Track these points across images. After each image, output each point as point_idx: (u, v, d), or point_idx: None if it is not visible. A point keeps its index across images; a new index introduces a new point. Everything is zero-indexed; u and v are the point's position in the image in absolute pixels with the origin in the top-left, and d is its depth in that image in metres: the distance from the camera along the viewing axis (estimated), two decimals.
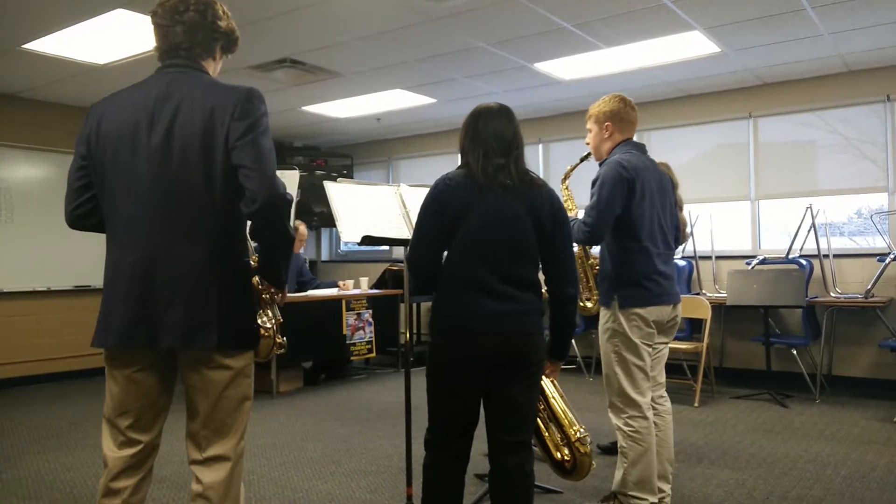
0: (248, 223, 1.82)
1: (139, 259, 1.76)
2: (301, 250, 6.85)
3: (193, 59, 1.89)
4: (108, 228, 1.86)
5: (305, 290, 6.36)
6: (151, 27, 1.91)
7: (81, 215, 1.92)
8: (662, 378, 3.01)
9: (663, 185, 2.96)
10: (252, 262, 1.89)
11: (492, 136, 2.20)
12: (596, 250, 3.15)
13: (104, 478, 1.84)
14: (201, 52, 1.90)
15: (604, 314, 2.88)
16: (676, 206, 3.24)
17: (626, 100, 2.97)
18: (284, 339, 1.94)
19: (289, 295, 5.99)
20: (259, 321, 1.87)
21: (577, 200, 3.19)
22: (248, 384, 1.89)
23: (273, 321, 1.90)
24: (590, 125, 3.02)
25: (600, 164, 2.92)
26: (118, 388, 1.84)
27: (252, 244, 1.91)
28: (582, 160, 3.24)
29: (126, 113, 1.81)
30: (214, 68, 1.98)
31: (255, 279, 1.88)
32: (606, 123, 2.94)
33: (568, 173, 3.32)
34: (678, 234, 3.14)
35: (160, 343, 1.74)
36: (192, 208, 1.76)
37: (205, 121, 1.74)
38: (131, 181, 1.78)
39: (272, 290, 1.91)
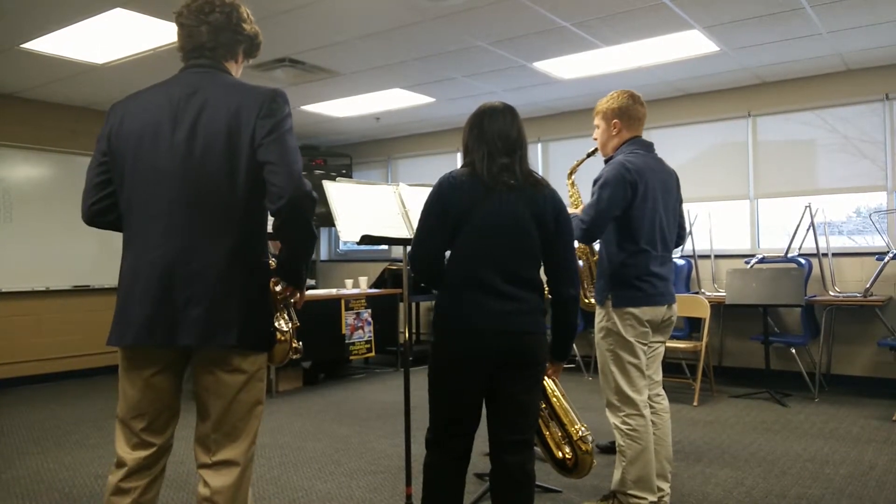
0: (270, 221, 1.81)
1: (159, 256, 1.75)
2: None
3: (217, 59, 1.90)
4: (126, 226, 1.85)
5: None
6: (176, 27, 1.92)
7: (99, 211, 1.90)
8: (659, 377, 3.01)
9: (668, 186, 2.94)
10: (270, 265, 1.88)
11: (496, 136, 2.20)
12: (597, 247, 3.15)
13: (114, 476, 1.83)
14: (224, 53, 1.91)
15: (599, 313, 2.89)
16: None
17: (636, 96, 2.95)
18: (301, 343, 1.92)
19: None
20: (276, 325, 1.86)
21: (583, 196, 3.18)
22: (261, 388, 1.87)
23: (290, 325, 1.89)
24: (597, 121, 2.99)
25: (606, 161, 2.91)
26: (134, 391, 1.83)
27: (270, 247, 1.91)
28: (589, 155, 3.21)
29: (149, 111, 1.81)
30: (236, 71, 1.99)
31: (272, 282, 1.86)
32: (614, 121, 2.93)
33: (574, 168, 3.30)
34: (682, 232, 3.12)
35: (178, 340, 1.73)
36: (215, 206, 1.75)
37: (230, 119, 1.75)
38: (153, 178, 1.78)
39: (289, 293, 1.89)
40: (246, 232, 1.79)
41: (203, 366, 1.80)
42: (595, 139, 3.03)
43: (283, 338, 1.87)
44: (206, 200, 1.75)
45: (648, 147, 2.94)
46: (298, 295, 1.92)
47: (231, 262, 1.75)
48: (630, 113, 2.91)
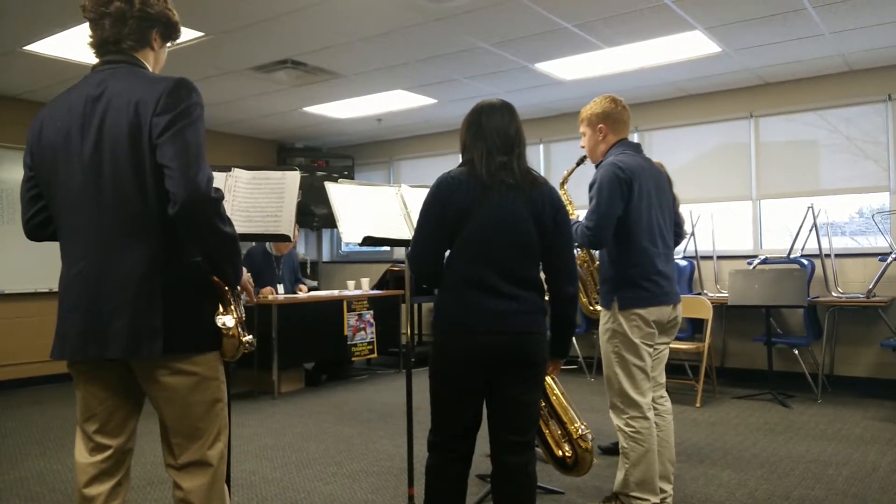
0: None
1: (83, 269, 1.71)
2: (295, 250, 6.84)
3: (125, 52, 1.80)
4: (59, 238, 1.81)
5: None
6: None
7: (36, 226, 1.87)
8: (663, 378, 3.01)
9: (661, 184, 2.96)
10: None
11: (494, 133, 2.19)
12: (597, 253, 3.15)
13: (77, 485, 1.80)
14: (133, 43, 1.80)
15: (604, 315, 2.89)
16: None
17: (617, 100, 2.96)
18: (251, 337, 1.85)
19: (289, 296, 6.02)
20: (219, 321, 1.77)
21: (576, 203, 3.19)
22: (217, 387, 1.81)
23: (235, 319, 1.80)
24: (583, 129, 3.01)
25: (597, 167, 2.92)
26: (81, 393, 1.80)
27: None
28: (578, 164, 3.24)
29: (62, 119, 1.75)
30: (156, 58, 1.89)
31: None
32: (600, 126, 2.94)
33: (565, 178, 3.32)
34: (679, 229, 3.13)
35: (108, 354, 1.68)
36: (129, 213, 1.69)
37: (130, 119, 1.66)
38: (70, 191, 1.73)
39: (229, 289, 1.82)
40: (165, 234, 1.71)
41: (142, 374, 1.75)
42: (583, 147, 3.05)
43: (228, 333, 1.79)
44: (120, 208, 1.69)
45: (637, 148, 2.96)
46: (243, 291, 1.85)
47: (152, 268, 1.69)
48: (614, 116, 2.93)
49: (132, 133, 1.66)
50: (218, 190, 1.67)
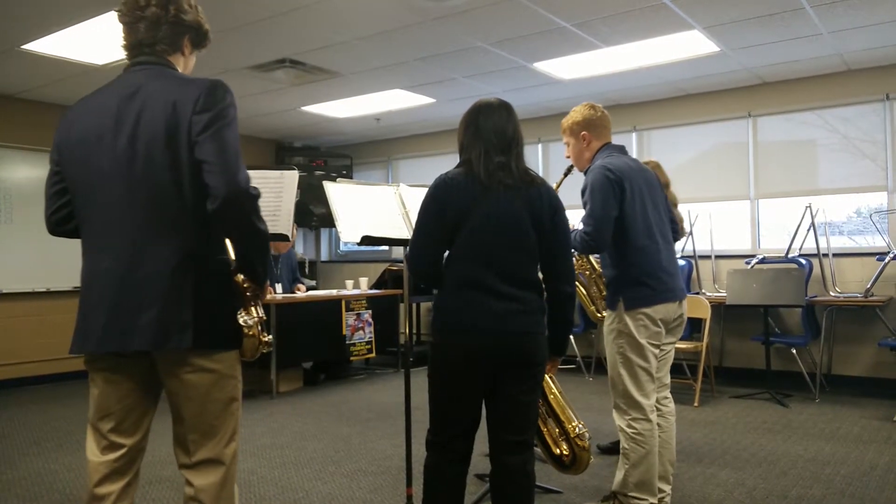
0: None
1: (112, 263, 1.72)
2: (294, 249, 6.84)
3: (158, 54, 1.85)
4: (82, 234, 1.83)
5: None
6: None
7: (59, 220, 1.89)
8: (667, 380, 3.00)
9: (651, 182, 2.96)
10: (229, 261, 1.83)
11: (492, 133, 2.19)
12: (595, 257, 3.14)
13: (89, 483, 1.81)
14: (166, 47, 1.86)
15: (609, 315, 2.88)
16: (669, 202, 3.23)
17: (596, 106, 3.00)
18: (270, 337, 1.88)
19: (287, 295, 6.02)
20: (241, 320, 1.80)
21: (569, 211, 3.18)
22: (235, 385, 1.84)
23: (256, 319, 1.82)
24: (566, 139, 3.04)
25: (584, 174, 2.93)
26: (98, 391, 1.82)
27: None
28: (566, 175, 3.24)
29: (94, 117, 1.78)
30: (186, 63, 1.94)
31: (240, 277, 1.82)
32: (583, 133, 2.96)
33: (555, 189, 3.32)
34: (676, 226, 3.14)
35: (133, 346, 1.70)
36: (163, 208, 1.72)
37: (167, 117, 1.70)
38: (101, 186, 1.75)
39: (253, 288, 1.84)
40: (198, 230, 1.74)
41: (166, 369, 1.77)
42: (568, 157, 3.06)
43: (249, 332, 1.81)
44: (154, 203, 1.71)
45: (621, 150, 2.97)
46: (261, 291, 1.87)
47: (183, 263, 1.72)
48: (595, 122, 2.95)
49: (169, 130, 1.70)
50: (256, 188, 1.72)
